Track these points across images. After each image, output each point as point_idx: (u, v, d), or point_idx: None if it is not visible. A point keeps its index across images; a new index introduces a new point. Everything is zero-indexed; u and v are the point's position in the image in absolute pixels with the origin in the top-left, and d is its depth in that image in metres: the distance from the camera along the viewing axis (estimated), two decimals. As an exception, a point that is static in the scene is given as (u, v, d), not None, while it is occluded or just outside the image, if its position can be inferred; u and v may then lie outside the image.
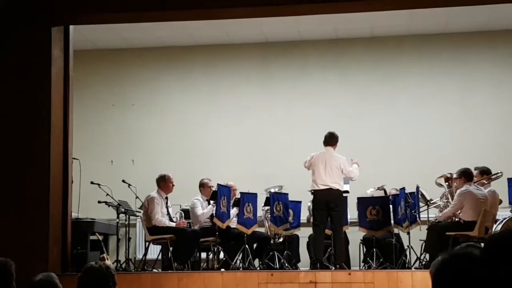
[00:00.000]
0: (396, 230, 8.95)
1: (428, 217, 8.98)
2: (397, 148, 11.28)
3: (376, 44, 11.63)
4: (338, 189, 8.44)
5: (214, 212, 8.70)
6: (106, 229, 9.61)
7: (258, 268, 8.64)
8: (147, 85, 12.03)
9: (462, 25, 11.19)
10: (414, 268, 8.29)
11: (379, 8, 8.41)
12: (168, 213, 9.02)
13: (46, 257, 7.36)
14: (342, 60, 11.72)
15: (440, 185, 9.03)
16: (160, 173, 9.08)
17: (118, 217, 8.96)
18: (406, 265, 8.35)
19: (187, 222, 9.23)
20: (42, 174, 7.55)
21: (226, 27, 11.05)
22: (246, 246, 8.49)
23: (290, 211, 9.10)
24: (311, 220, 9.68)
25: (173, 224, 8.90)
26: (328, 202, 8.39)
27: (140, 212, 9.30)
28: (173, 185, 9.03)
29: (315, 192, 8.52)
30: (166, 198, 9.01)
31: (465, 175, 8.49)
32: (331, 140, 8.67)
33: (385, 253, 8.63)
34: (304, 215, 9.77)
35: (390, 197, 9.05)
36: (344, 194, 8.73)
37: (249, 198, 8.84)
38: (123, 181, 9.21)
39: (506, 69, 11.38)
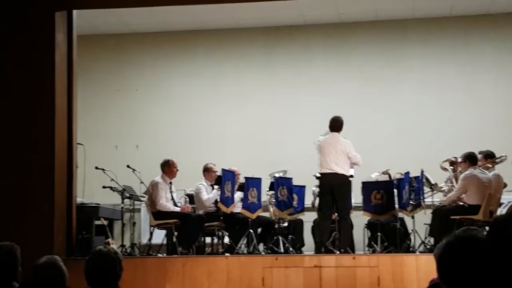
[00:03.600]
0: (400, 214, 8.95)
1: (432, 201, 9.00)
2: (402, 132, 11.27)
3: (380, 28, 11.59)
4: (343, 174, 8.43)
5: (218, 197, 8.72)
6: (111, 214, 9.65)
7: (262, 253, 8.66)
8: (151, 70, 12.03)
9: (467, 8, 11.14)
10: (419, 252, 8.30)
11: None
12: (173, 198, 9.03)
13: (51, 241, 7.39)
14: (346, 45, 11.69)
15: (445, 169, 9.02)
16: (164, 158, 9.09)
17: (123, 202, 8.99)
18: (411, 249, 8.37)
19: (192, 207, 9.25)
20: (46, 159, 7.57)
21: (230, 12, 11.01)
22: (251, 230, 8.51)
23: (295, 195, 9.11)
24: (316, 204, 9.71)
25: (177, 209, 8.92)
26: (333, 187, 8.38)
27: (144, 197, 9.32)
28: (177, 170, 9.03)
29: (321, 176, 8.52)
30: (171, 183, 9.02)
31: (470, 159, 8.48)
32: (335, 124, 8.65)
33: (390, 237, 8.65)
34: (309, 199, 9.79)
35: (395, 181, 9.03)
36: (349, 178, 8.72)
37: (254, 183, 8.84)
38: (128, 166, 9.23)
39: (511, 52, 11.33)
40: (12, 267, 4.24)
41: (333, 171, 8.37)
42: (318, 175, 8.83)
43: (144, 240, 10.33)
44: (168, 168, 8.98)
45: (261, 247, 8.97)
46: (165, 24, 11.71)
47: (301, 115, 11.46)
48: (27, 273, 4.32)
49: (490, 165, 8.79)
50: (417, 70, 11.50)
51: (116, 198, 9.29)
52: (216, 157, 10.19)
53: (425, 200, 8.83)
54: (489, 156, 8.88)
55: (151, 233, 9.08)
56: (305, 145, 10.40)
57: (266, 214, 9.57)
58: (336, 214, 8.58)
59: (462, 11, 11.24)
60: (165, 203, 8.76)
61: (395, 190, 8.84)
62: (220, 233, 8.89)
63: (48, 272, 3.83)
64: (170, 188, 9.00)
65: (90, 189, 9.16)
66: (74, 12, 8.20)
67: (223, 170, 8.68)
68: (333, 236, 8.67)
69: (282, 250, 8.51)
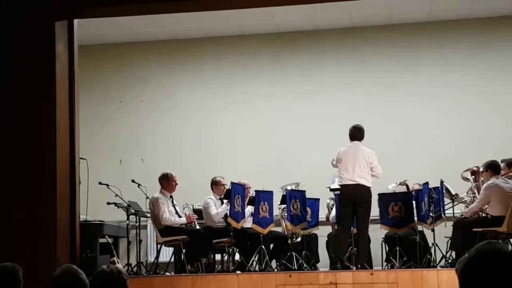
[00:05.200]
0: (420, 227, 8.92)
1: (453, 213, 8.96)
2: (419, 140, 11.23)
3: (394, 32, 11.58)
4: (365, 185, 8.41)
5: (228, 211, 8.72)
6: (116, 231, 9.65)
7: (275, 270, 8.65)
8: (156, 80, 12.06)
9: (485, 10, 11.11)
10: (440, 266, 8.28)
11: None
12: (177, 212, 9.05)
13: (54, 261, 7.39)
14: (359, 50, 11.68)
15: (466, 179, 8.98)
16: (163, 172, 9.12)
17: (128, 219, 9.00)
18: (431, 264, 8.33)
19: (199, 223, 9.26)
20: (48, 175, 7.58)
21: (238, 18, 11.04)
22: (263, 246, 8.51)
23: (308, 209, 9.11)
24: (330, 218, 9.69)
25: (183, 219, 8.96)
26: (355, 199, 8.37)
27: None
28: (176, 184, 9.06)
29: (341, 188, 8.50)
30: (171, 197, 9.05)
31: (492, 167, 8.44)
32: (357, 133, 8.63)
33: (409, 252, 8.62)
34: (323, 213, 9.76)
35: (413, 193, 9.01)
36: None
37: (265, 196, 8.84)
38: (133, 181, 9.25)
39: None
40: (14, 289, 4.24)
41: (356, 183, 8.36)
42: (334, 186, 8.81)
43: (151, 258, 10.35)
44: (166, 182, 9.01)
45: (273, 263, 8.96)
46: (170, 32, 11.75)
47: (314, 124, 11.44)
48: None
49: (513, 174, 8.75)
50: (433, 75, 11.47)
51: (121, 215, 9.31)
52: (225, 169, 10.20)
53: (446, 212, 8.80)
54: (513, 165, 8.84)
55: (158, 251, 9.10)
56: (318, 155, 10.41)
57: (279, 229, 9.57)
58: (355, 227, 8.56)
59: (481, 13, 11.21)
60: (169, 217, 8.79)
61: (414, 202, 8.81)
62: (231, 250, 8.88)
63: (69, 282, 3.82)
64: (172, 202, 9.03)
65: (93, 206, 9.16)
66: (75, 21, 8.23)
67: (233, 183, 8.68)
68: (349, 251, 8.64)
69: (295, 266, 8.50)
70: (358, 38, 11.67)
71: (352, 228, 8.63)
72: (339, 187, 8.67)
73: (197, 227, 9.06)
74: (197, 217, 9.18)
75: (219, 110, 11.83)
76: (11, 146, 7.66)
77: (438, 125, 11.30)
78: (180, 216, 9.05)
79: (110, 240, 8.94)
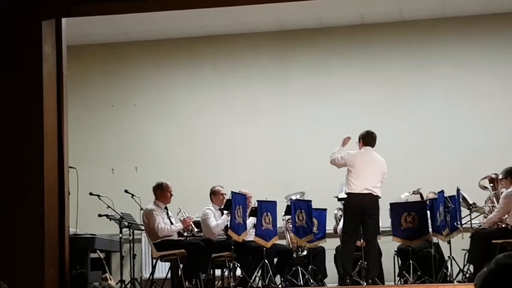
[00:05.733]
0: (435, 239, 8.94)
1: (471, 224, 8.95)
2: (434, 146, 11.19)
3: (407, 30, 11.55)
4: (377, 195, 8.43)
5: (228, 223, 8.69)
6: (108, 245, 9.65)
7: (279, 286, 8.63)
8: (151, 82, 12.04)
9: (504, 5, 11.06)
10: (457, 281, 8.29)
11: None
12: (172, 224, 9.04)
13: (42, 278, 7.36)
14: (369, 49, 11.64)
15: (485, 187, 8.99)
16: (157, 181, 9.12)
17: (121, 232, 9.02)
18: (448, 279, 8.37)
19: (198, 232, 9.24)
20: (35, 186, 7.54)
21: (238, 15, 11.02)
22: (266, 261, 8.50)
23: (314, 220, 9.11)
24: (338, 230, 9.66)
25: (179, 225, 8.98)
26: (365, 208, 8.37)
27: (145, 225, 9.33)
28: (171, 195, 9.06)
29: (349, 196, 8.47)
30: (166, 208, 9.04)
31: (512, 175, 8.43)
32: (369, 139, 8.65)
33: (423, 265, 8.65)
34: (330, 224, 9.73)
35: (428, 202, 9.02)
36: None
37: (268, 206, 8.84)
38: (126, 191, 9.25)
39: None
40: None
41: (368, 191, 8.35)
42: (342, 196, 8.78)
43: (146, 274, 10.34)
44: (161, 192, 9.02)
45: (278, 279, 8.94)
46: (166, 31, 11.73)
47: (319, 129, 11.39)
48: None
49: (535, 182, 8.72)
50: (448, 75, 11.43)
51: (113, 228, 9.30)
52: (225, 178, 10.20)
53: (463, 222, 8.78)
54: (534, 171, 8.80)
55: (153, 266, 9.09)
56: (324, 162, 10.34)
57: (283, 242, 9.55)
58: (362, 239, 8.54)
59: (499, 9, 11.16)
60: (165, 226, 8.79)
61: (428, 212, 8.81)
62: (231, 265, 8.86)
63: None
64: (167, 214, 9.01)
65: (84, 218, 9.16)
66: (63, 20, 8.20)
67: (233, 193, 8.67)
68: (359, 265, 8.61)
69: (301, 282, 8.52)
70: (367, 37, 11.62)
71: (361, 240, 8.61)
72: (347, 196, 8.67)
73: (195, 229, 9.05)
74: (193, 219, 9.17)
75: (218, 114, 11.79)
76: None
77: (454, 129, 11.24)
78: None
79: (102, 255, 8.92)
